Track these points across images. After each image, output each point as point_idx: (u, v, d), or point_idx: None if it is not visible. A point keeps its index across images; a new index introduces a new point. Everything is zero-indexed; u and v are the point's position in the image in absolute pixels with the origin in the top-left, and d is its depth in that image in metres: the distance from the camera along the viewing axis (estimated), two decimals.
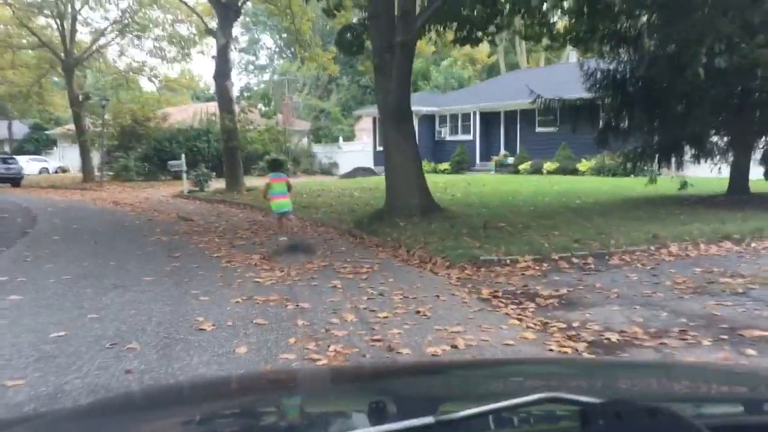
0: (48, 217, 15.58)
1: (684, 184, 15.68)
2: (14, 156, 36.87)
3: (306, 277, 7.70)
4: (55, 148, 53.16)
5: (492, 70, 58.69)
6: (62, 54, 30.79)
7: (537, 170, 26.34)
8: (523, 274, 7.55)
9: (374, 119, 34.72)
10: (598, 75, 14.91)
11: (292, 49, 53.96)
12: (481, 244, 8.85)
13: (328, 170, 37.38)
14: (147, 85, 43.90)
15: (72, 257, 9.27)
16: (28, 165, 46.93)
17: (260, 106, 27.33)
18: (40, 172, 46.76)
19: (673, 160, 15.66)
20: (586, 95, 15.48)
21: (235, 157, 21.68)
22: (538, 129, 28.55)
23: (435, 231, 10.29)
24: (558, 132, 26.78)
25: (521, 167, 27.21)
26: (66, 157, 50.23)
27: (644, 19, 14.14)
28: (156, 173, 32.84)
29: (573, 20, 14.62)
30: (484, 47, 37.34)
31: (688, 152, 15.57)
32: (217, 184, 23.55)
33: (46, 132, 51.84)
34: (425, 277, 7.76)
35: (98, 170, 31.58)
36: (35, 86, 34.53)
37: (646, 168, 16.50)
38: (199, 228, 12.92)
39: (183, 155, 24.21)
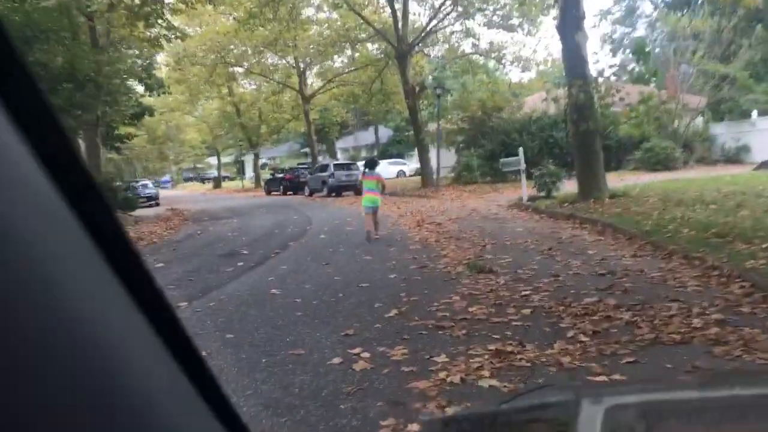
0: (275, 265, 10.29)
1: None
2: (356, 163, 34.55)
3: None
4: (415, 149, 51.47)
5: None
6: (394, 42, 26.68)
7: None
8: None
9: None
10: None
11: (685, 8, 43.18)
12: None
13: (735, 157, 27.03)
14: (508, 72, 38.36)
15: None
16: (387, 168, 45.53)
17: (633, 68, 19.18)
18: (398, 176, 44.85)
19: None
20: None
21: (590, 146, 14.13)
22: None
23: None
24: None
25: None
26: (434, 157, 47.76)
27: None
28: (504, 173, 26.83)
29: None
30: None
31: None
32: (572, 185, 16.15)
33: (407, 133, 50.23)
34: None
35: (436, 173, 26.79)
36: (377, 82, 31.43)
37: None
38: (485, 304, 5.96)
39: (521, 149, 17.41)
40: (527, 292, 6.32)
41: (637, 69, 14.07)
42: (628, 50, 48.27)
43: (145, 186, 36.89)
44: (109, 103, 31.67)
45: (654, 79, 14.13)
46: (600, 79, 13.83)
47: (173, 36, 28.25)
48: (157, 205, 32.95)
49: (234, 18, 28.54)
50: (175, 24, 28.64)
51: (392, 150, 53.43)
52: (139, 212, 26.06)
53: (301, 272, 8.46)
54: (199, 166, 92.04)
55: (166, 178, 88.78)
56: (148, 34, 26.40)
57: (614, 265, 7.69)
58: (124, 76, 30.11)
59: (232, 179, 77.41)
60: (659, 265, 7.55)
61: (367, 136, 61.11)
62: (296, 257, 9.96)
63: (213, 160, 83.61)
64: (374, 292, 6.80)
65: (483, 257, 8.74)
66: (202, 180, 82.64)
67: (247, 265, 9.41)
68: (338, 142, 64.26)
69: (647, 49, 14.61)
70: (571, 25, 14.15)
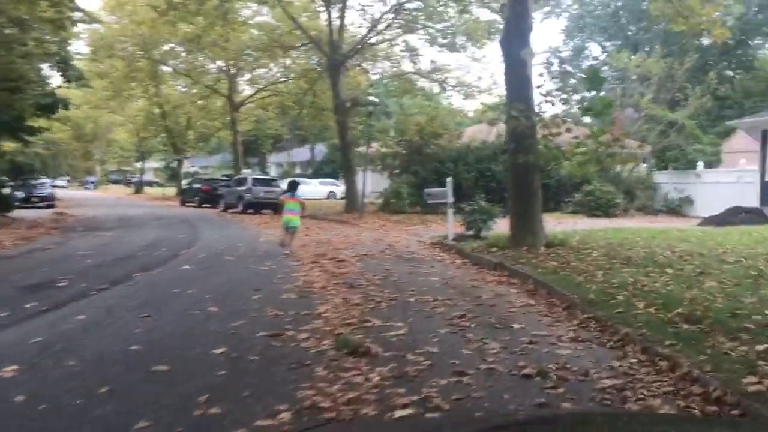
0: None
1: None
2: (277, 179, 31.86)
3: None
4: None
5: None
6: (328, 51, 24.26)
7: None
8: None
9: (764, 132, 22.14)
10: None
11: (643, 47, 42.24)
12: None
13: (677, 209, 25.53)
14: (449, 97, 36.39)
15: None
16: (317, 189, 42.78)
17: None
18: (328, 197, 42.18)
19: None
20: None
21: (528, 183, 11.90)
22: None
23: None
24: None
25: None
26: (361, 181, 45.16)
27: None
28: (435, 204, 24.60)
29: None
30: None
31: None
32: (506, 225, 13.78)
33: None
34: None
35: (362, 198, 24.39)
36: (309, 94, 28.90)
37: None
38: None
39: (449, 180, 15.17)
40: (405, 411, 3.84)
41: (587, 98, 12.10)
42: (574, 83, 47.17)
43: (42, 185, 33.28)
44: (12, 89, 28.28)
45: (604, 112, 12.12)
46: (544, 105, 11.66)
47: (81, 20, 25.27)
48: (51, 206, 29.43)
49: (154, 9, 25.58)
50: (90, 9, 25.68)
51: (327, 169, 50.86)
52: (20, 213, 22.90)
53: (95, 330, 5.78)
54: (126, 168, 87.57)
55: (92, 178, 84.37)
56: (52, 15, 23.33)
57: (547, 355, 5.34)
58: (23, 60, 26.83)
59: (161, 186, 73.23)
60: (610, 361, 5.23)
61: (303, 153, 58.55)
62: (119, 299, 7.26)
63: (146, 165, 79.32)
64: (163, 387, 4.20)
65: (369, 323, 6.27)
66: (127, 184, 78.18)
67: (37, 308, 6.65)
68: (272, 157, 61.42)
69: (600, 74, 12.52)
70: (516, 37, 12.00)
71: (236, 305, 7.05)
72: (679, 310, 6.39)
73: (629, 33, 53.75)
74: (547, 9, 53.50)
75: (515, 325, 6.47)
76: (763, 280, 8.22)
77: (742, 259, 10.17)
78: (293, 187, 13.20)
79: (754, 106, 41.29)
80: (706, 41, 51.43)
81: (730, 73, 48.96)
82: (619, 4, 54.13)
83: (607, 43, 55.57)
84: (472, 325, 6.42)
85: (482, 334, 6.04)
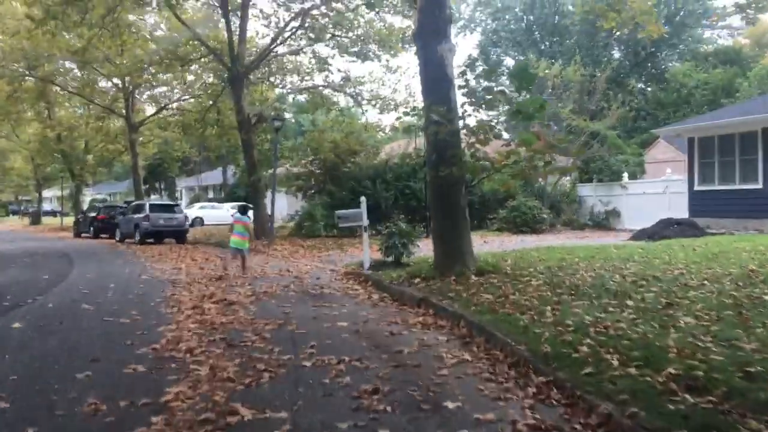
0: None
1: None
2: (179, 204, 29.27)
3: None
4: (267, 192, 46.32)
5: None
6: (229, 62, 22.03)
7: None
8: None
9: (690, 140, 21.29)
10: None
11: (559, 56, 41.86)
12: None
13: (604, 222, 24.50)
14: (364, 111, 34.59)
15: None
16: (229, 213, 40.23)
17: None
18: None
19: None
20: None
21: (453, 200, 10.12)
22: None
23: None
24: None
25: None
26: (277, 204, 42.76)
27: None
28: (352, 227, 22.71)
29: None
30: None
31: None
32: (430, 247, 11.86)
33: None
34: None
35: (270, 222, 22.22)
36: (212, 111, 26.51)
37: None
38: None
39: (363, 199, 13.29)
40: None
41: (516, 98, 10.60)
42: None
43: None
44: None
45: (537, 115, 10.67)
46: (469, 107, 9.90)
47: None
48: None
49: (30, 18, 22.69)
50: None
51: (239, 192, 48.11)
52: None
53: None
54: (26, 198, 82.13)
55: None
56: None
57: None
58: None
59: (64, 215, 68.44)
60: None
61: (215, 176, 55.73)
62: None
63: (48, 193, 74.22)
64: None
65: (235, 417, 4.20)
66: (24, 214, 73.18)
67: None
68: (182, 181, 58.17)
69: (531, 71, 11.05)
70: (431, 30, 10.27)
71: (44, 392, 4.83)
72: (671, 370, 4.63)
73: (543, 48, 53.82)
74: (461, 23, 53.09)
75: (449, 404, 4.53)
76: (746, 312, 6.64)
77: (706, 282, 8.65)
78: (243, 210, 13.83)
79: (667, 118, 41.58)
80: (617, 54, 52.15)
81: (641, 85, 49.58)
82: (532, 18, 54.20)
83: (522, 57, 55.51)
84: (388, 408, 4.45)
85: (403, 426, 4.08)
